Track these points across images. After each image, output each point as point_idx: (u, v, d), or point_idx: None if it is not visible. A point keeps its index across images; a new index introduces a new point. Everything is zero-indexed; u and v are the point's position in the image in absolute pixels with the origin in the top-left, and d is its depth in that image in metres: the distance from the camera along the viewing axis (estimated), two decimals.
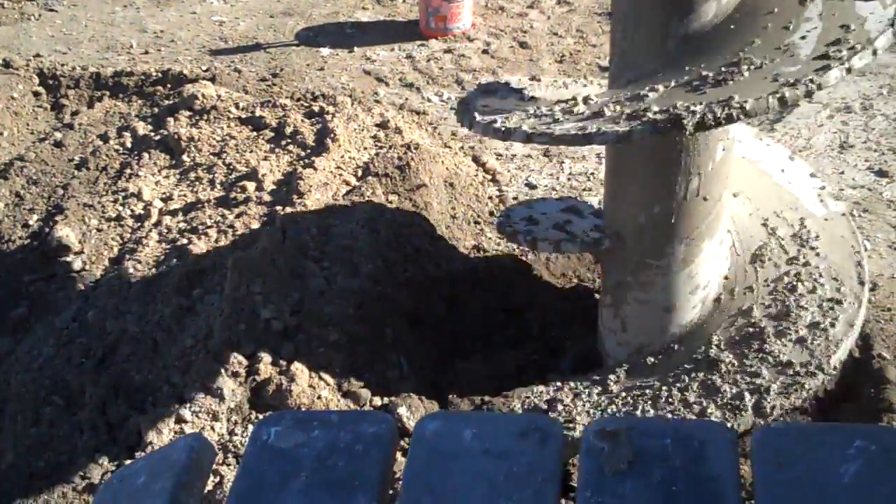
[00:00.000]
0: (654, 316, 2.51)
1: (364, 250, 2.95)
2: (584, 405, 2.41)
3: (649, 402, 2.36)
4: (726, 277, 2.61)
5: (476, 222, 3.54)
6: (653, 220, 2.34)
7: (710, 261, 2.46)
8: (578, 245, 2.51)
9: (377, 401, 2.55)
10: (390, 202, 3.37)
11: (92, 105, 4.62)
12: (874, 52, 1.80)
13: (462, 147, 4.14)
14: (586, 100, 2.06)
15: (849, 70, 1.79)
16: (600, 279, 2.71)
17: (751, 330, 2.46)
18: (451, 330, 2.93)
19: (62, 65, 4.95)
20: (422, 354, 2.78)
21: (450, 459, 1.16)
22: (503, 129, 2.03)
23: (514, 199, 3.74)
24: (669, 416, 2.32)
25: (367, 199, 3.35)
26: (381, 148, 3.87)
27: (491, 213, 3.62)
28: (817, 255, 2.66)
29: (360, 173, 3.66)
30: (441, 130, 4.30)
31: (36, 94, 4.75)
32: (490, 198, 3.74)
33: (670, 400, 2.35)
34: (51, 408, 2.69)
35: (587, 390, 2.46)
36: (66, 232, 3.44)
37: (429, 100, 4.61)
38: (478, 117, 2.11)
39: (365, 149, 3.90)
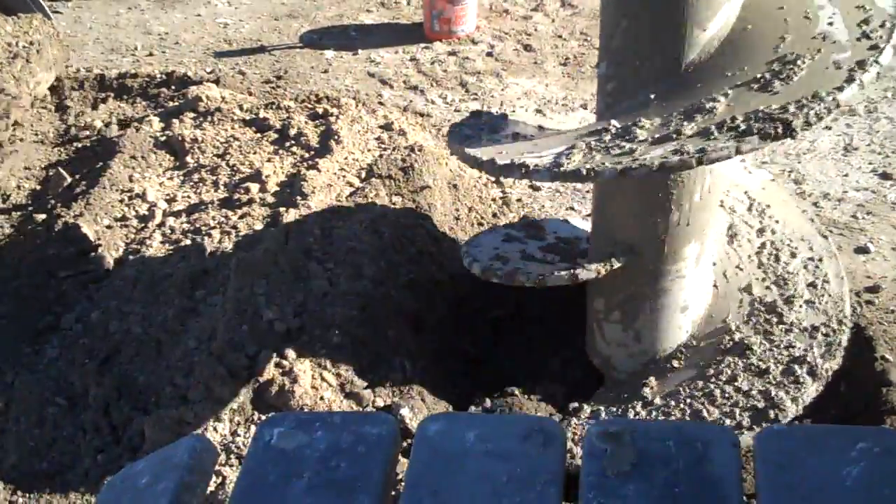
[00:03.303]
0: (671, 319, 2.51)
1: (367, 252, 2.95)
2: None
3: (704, 401, 2.35)
4: (714, 263, 2.64)
5: (480, 224, 3.54)
6: (670, 226, 2.32)
7: (713, 251, 2.50)
8: (568, 277, 2.37)
9: (380, 402, 2.54)
10: (394, 204, 3.37)
11: (96, 107, 4.62)
12: (837, 105, 1.81)
13: None
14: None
15: (807, 124, 1.80)
16: (592, 301, 2.66)
17: (761, 306, 2.49)
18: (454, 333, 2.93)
19: (67, 67, 4.96)
20: (424, 356, 2.78)
21: (452, 461, 1.15)
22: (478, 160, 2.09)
23: (518, 200, 3.73)
24: (734, 409, 2.30)
25: (370, 200, 3.35)
26: (384, 150, 3.87)
27: (494, 215, 3.62)
28: (776, 222, 2.75)
29: (363, 175, 3.66)
30: (445, 132, 4.31)
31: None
32: (493, 200, 3.74)
33: (726, 394, 2.34)
34: (54, 409, 2.69)
35: (626, 406, 2.45)
36: (84, 231, 3.44)
37: (433, 102, 4.61)
38: (469, 150, 2.15)
39: (369, 150, 3.90)
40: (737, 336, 2.45)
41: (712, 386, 2.38)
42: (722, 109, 1.92)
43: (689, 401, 2.38)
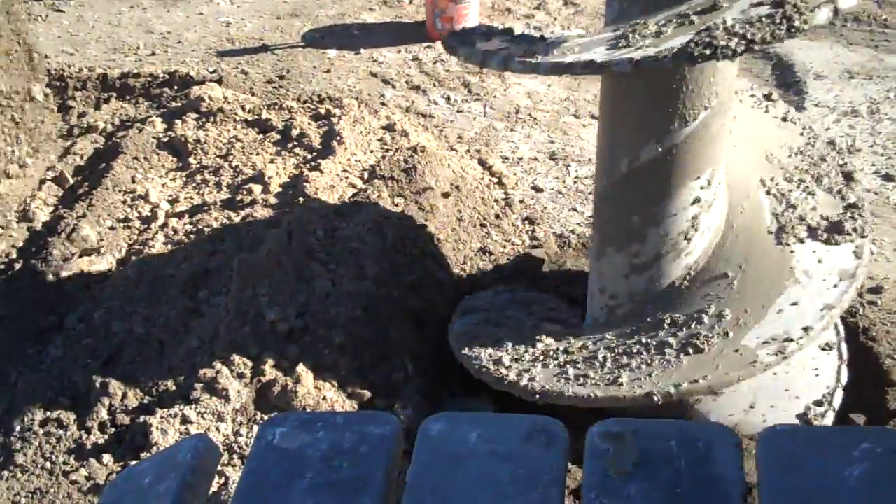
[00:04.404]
0: (592, 297, 2.58)
1: (370, 253, 2.95)
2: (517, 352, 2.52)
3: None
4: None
5: (482, 225, 3.55)
6: (603, 189, 2.41)
7: (660, 247, 2.39)
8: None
9: (382, 402, 2.55)
10: (396, 205, 3.37)
11: (99, 107, 4.63)
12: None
13: (468, 150, 4.14)
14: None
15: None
16: None
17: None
18: None
19: (69, 66, 4.96)
20: (426, 357, 2.79)
21: (455, 461, 1.16)
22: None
23: (521, 201, 3.73)
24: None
25: (373, 201, 3.35)
26: (387, 150, 3.87)
27: (497, 216, 3.62)
28: None
29: (366, 176, 3.66)
30: (447, 133, 4.31)
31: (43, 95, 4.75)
32: (496, 201, 3.74)
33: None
34: (57, 408, 2.69)
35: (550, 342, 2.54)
36: (87, 232, 3.45)
37: (435, 102, 4.61)
38: (460, 48, 2.14)
39: (371, 151, 3.90)
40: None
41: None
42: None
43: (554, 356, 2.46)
